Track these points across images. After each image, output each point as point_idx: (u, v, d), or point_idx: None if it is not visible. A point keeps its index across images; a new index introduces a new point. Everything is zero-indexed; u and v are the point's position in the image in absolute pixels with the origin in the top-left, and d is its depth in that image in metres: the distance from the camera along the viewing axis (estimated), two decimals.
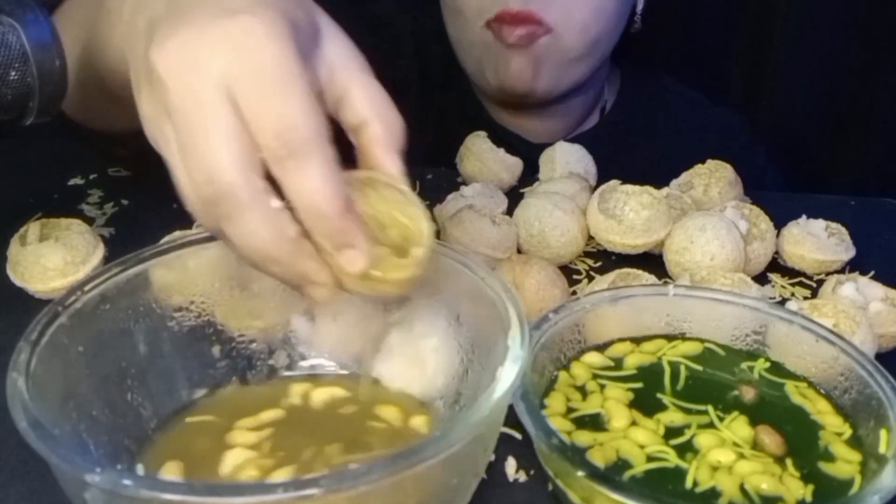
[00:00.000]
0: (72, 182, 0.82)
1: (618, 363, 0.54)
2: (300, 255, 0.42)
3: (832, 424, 0.50)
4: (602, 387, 0.51)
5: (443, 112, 1.00)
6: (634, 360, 0.54)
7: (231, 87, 0.40)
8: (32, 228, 0.65)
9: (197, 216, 0.42)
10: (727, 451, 0.47)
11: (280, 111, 0.40)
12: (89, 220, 0.70)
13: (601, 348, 0.54)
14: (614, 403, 0.50)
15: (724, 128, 1.04)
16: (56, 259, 0.62)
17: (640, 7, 0.94)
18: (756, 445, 0.48)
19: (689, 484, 0.45)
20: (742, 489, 0.45)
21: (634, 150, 0.82)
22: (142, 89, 0.43)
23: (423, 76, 0.99)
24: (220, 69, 0.40)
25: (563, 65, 0.88)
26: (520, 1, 0.83)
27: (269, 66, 0.40)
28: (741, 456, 0.47)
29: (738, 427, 0.49)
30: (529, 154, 0.84)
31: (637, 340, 0.55)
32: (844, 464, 0.47)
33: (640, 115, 1.02)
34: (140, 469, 0.44)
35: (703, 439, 0.48)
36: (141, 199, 0.79)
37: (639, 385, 0.52)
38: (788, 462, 0.47)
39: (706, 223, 0.67)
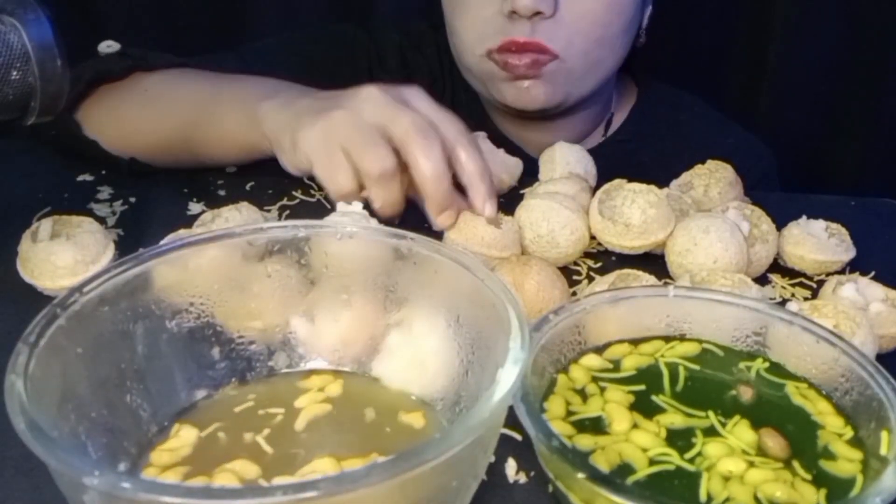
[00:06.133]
0: (80, 178, 0.82)
1: (616, 365, 0.53)
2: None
3: (833, 426, 0.50)
4: (602, 389, 0.51)
5: None
6: (633, 361, 0.54)
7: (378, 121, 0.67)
8: (44, 225, 0.65)
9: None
10: (737, 459, 0.47)
11: (407, 120, 0.67)
12: (100, 220, 0.70)
13: (599, 350, 0.54)
14: (615, 406, 0.50)
15: (744, 156, 1.02)
16: (66, 257, 0.62)
17: (645, 23, 0.94)
18: (760, 449, 0.48)
19: (703, 497, 0.45)
20: (756, 498, 0.45)
21: (640, 171, 0.82)
22: (306, 135, 0.68)
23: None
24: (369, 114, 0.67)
25: (569, 83, 0.89)
26: (527, 31, 0.84)
27: (386, 103, 0.68)
28: (751, 464, 0.47)
29: (741, 432, 0.48)
30: (528, 166, 0.84)
31: (635, 342, 0.55)
32: (846, 464, 0.47)
33: (650, 134, 1.02)
34: (139, 472, 0.44)
35: (711, 448, 0.47)
36: (150, 197, 0.79)
37: (639, 388, 0.52)
38: (796, 465, 0.47)
39: (710, 225, 0.67)
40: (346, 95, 0.69)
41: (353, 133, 0.66)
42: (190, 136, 0.81)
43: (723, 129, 1.04)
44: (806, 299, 0.67)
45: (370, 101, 0.67)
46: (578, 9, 0.85)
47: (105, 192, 0.80)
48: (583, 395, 0.51)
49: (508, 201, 0.73)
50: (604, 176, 0.83)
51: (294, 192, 0.81)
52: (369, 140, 0.65)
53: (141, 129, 0.83)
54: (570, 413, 0.50)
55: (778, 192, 0.99)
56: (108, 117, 0.84)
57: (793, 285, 0.71)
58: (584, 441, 0.48)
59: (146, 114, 0.84)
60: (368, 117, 0.66)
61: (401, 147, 0.65)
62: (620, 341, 0.55)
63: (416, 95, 0.69)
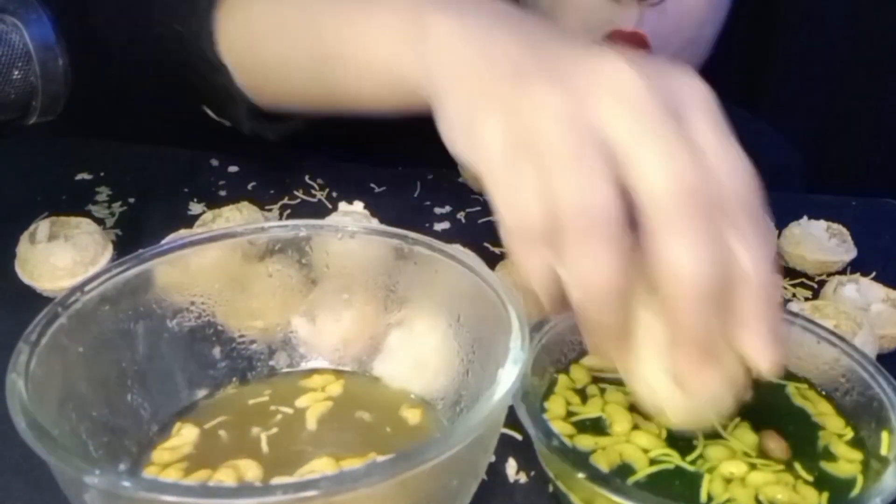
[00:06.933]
0: (79, 177, 0.82)
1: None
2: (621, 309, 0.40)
3: (834, 427, 0.50)
4: (602, 391, 0.51)
5: None
6: None
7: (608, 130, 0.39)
8: (42, 227, 0.65)
9: (520, 237, 0.41)
10: (738, 462, 0.46)
11: (668, 163, 0.38)
12: (98, 221, 0.70)
13: None
14: (615, 407, 0.50)
15: (775, 157, 1.02)
16: (65, 258, 0.62)
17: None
18: (761, 451, 0.48)
19: (703, 498, 0.45)
20: (757, 500, 0.45)
21: None
22: (488, 117, 0.42)
23: None
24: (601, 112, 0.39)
25: None
26: (632, 21, 0.78)
27: (649, 112, 0.39)
28: (752, 467, 0.46)
29: (742, 434, 0.48)
30: None
31: None
32: (846, 464, 0.47)
33: None
34: (140, 470, 0.44)
35: (712, 451, 0.47)
36: (150, 197, 0.79)
37: None
38: (797, 467, 0.47)
39: None
40: (578, 61, 0.42)
41: (562, 138, 0.39)
42: (321, 46, 0.59)
43: (754, 130, 1.04)
44: (807, 299, 0.67)
45: (619, 88, 0.39)
46: (685, 1, 0.80)
47: (104, 192, 0.80)
48: (583, 395, 0.51)
49: None
50: None
51: (295, 192, 0.81)
52: (581, 156, 0.39)
53: (269, 34, 0.64)
54: (570, 413, 0.50)
55: (802, 189, 0.99)
56: (238, 18, 0.67)
57: (794, 285, 0.71)
58: (585, 441, 0.47)
59: (276, 8, 0.64)
60: (603, 118, 0.39)
61: (649, 205, 0.38)
62: None
63: (697, 102, 0.41)
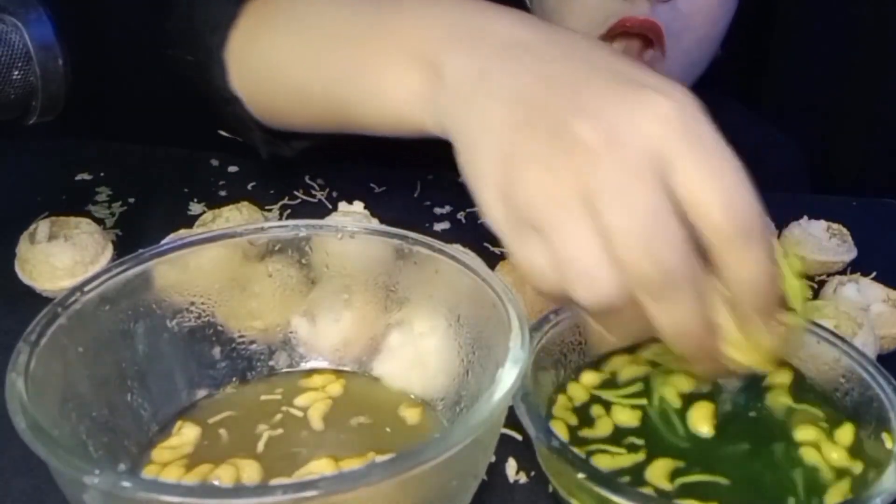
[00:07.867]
0: (79, 177, 0.82)
1: (614, 378, 0.53)
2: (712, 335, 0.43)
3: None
4: (607, 407, 0.51)
5: None
6: (630, 372, 0.53)
7: (664, 161, 0.40)
8: (42, 226, 0.65)
9: (604, 292, 0.40)
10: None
11: (727, 189, 0.40)
12: (98, 221, 0.70)
13: (597, 365, 0.54)
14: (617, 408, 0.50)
15: (777, 154, 1.01)
16: (65, 259, 0.62)
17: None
18: None
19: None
20: None
21: None
22: (528, 176, 0.41)
23: None
24: (652, 141, 0.40)
25: None
26: (646, 9, 0.75)
27: (710, 141, 0.41)
28: None
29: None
30: None
31: (632, 349, 0.54)
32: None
33: None
34: (140, 470, 0.44)
35: None
36: (150, 198, 0.79)
37: (642, 402, 0.51)
38: None
39: None
40: (606, 93, 0.42)
41: (615, 179, 0.39)
42: (334, 84, 0.59)
43: (755, 127, 1.04)
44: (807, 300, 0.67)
45: (655, 109, 0.40)
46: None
47: (104, 192, 0.80)
48: (585, 413, 0.50)
49: None
50: None
51: (295, 192, 0.81)
52: (639, 195, 0.39)
53: (283, 66, 0.64)
54: (572, 421, 0.50)
55: (807, 189, 0.99)
56: (248, 50, 0.67)
57: None
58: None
59: (289, 40, 0.64)
60: (645, 133, 0.40)
61: (709, 229, 0.40)
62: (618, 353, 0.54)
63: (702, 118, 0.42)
